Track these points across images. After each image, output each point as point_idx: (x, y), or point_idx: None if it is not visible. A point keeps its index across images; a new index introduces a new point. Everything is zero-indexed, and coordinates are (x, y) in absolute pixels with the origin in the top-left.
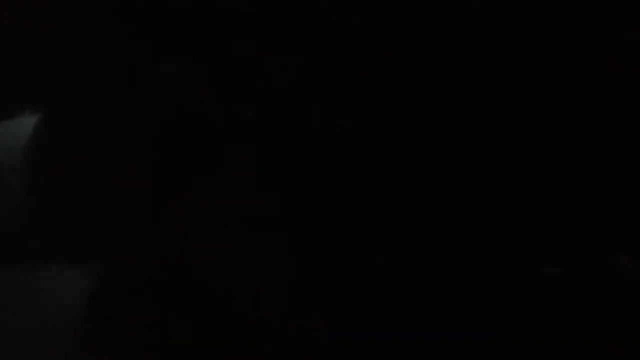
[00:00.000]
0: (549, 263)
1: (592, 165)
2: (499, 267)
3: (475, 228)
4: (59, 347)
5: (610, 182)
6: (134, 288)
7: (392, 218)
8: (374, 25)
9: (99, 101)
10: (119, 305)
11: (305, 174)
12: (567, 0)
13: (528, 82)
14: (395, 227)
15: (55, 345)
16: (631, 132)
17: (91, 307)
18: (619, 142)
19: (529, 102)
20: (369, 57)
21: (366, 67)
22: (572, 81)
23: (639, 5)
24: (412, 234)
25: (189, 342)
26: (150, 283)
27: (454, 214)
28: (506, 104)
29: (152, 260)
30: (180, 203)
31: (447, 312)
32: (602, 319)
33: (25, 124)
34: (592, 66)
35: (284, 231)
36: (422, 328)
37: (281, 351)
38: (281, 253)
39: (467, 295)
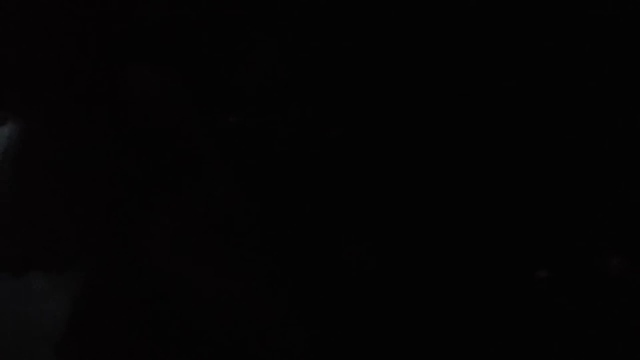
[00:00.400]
0: (541, 266)
1: (584, 167)
2: (490, 271)
3: (466, 231)
4: (39, 353)
5: (603, 184)
6: (114, 296)
7: (384, 223)
8: (367, 29)
9: (72, 108)
10: (99, 313)
11: (295, 181)
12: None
13: (516, 86)
14: (388, 232)
15: (35, 351)
16: (623, 133)
17: (72, 314)
18: (610, 144)
19: (517, 106)
20: (361, 61)
21: (359, 72)
22: (561, 83)
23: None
24: (403, 238)
25: (169, 350)
26: (132, 291)
27: (446, 218)
28: (495, 107)
29: (133, 268)
30: (161, 211)
31: (438, 317)
32: (595, 322)
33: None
34: (588, 66)
35: (270, 242)
36: (413, 331)
37: None
38: (267, 264)
39: (458, 299)
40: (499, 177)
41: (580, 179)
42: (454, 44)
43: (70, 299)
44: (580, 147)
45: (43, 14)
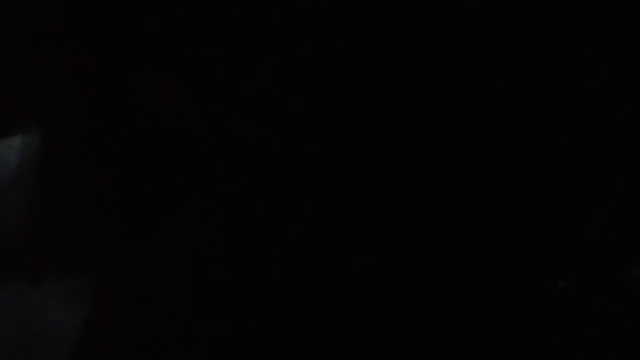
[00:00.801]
0: (561, 277)
1: (604, 177)
2: (508, 281)
3: (485, 241)
4: None
5: (622, 193)
6: (127, 303)
7: (398, 231)
8: (368, 30)
9: (86, 118)
10: (112, 320)
11: (298, 183)
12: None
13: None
14: (402, 242)
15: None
16: None
17: (86, 321)
18: (631, 152)
19: (537, 113)
20: (363, 63)
21: (361, 75)
22: (578, 89)
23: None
24: (417, 247)
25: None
26: (144, 295)
27: (465, 228)
28: (504, 107)
29: (145, 273)
30: (172, 217)
31: (454, 328)
32: (616, 332)
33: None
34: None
35: (273, 243)
36: (430, 342)
37: None
38: (271, 265)
39: (474, 311)
40: (520, 187)
41: (602, 189)
42: (454, 44)
43: (84, 307)
44: (602, 159)
45: (54, 24)
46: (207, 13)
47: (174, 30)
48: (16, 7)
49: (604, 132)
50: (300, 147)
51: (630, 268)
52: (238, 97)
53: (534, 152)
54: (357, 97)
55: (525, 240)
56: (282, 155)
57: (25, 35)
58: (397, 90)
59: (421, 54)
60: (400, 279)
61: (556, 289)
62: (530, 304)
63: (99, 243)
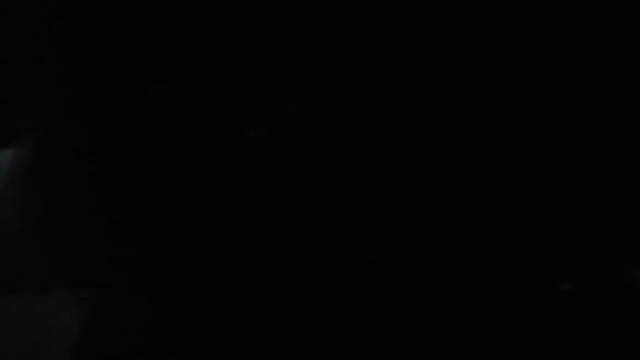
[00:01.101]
0: (564, 278)
1: (608, 177)
2: (511, 283)
3: (489, 242)
4: None
5: (627, 195)
6: (128, 313)
7: (403, 235)
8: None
9: (85, 121)
10: (111, 331)
11: (304, 188)
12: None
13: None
14: (405, 243)
15: None
16: None
17: (86, 331)
18: (631, 152)
19: (544, 116)
20: (372, 69)
21: (369, 82)
22: (579, 90)
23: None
24: (414, 244)
25: None
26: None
27: (460, 228)
28: (505, 107)
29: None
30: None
31: (457, 331)
32: (614, 333)
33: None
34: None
35: (278, 245)
36: (431, 343)
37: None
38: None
39: (478, 314)
40: (519, 188)
41: (604, 190)
42: (453, 44)
43: (87, 313)
44: (601, 159)
45: (54, 34)
46: (207, 13)
47: (174, 31)
48: (16, 8)
49: (604, 132)
50: (300, 147)
51: (630, 268)
52: (237, 97)
53: (533, 152)
54: (357, 97)
55: (525, 241)
56: (281, 155)
57: (25, 36)
58: (397, 91)
59: (421, 53)
60: (401, 280)
61: (556, 289)
62: (529, 304)
63: (100, 248)
